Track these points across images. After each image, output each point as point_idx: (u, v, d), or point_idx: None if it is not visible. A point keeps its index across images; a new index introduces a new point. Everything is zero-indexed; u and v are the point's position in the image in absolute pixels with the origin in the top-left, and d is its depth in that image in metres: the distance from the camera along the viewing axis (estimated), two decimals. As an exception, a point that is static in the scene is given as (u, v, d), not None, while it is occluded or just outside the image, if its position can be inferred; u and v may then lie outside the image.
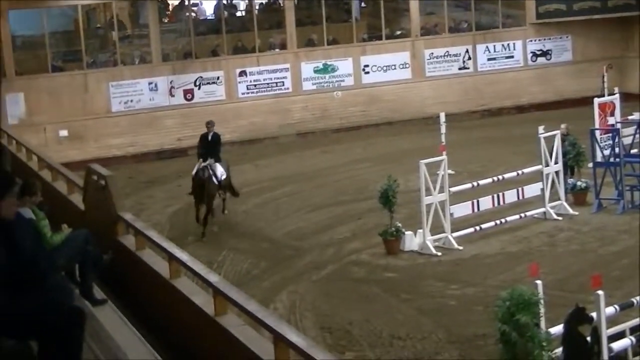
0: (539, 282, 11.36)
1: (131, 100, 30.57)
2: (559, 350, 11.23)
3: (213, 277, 10.69)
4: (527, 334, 10.79)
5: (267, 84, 32.08)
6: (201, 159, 21.13)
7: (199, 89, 31.35)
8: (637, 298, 12.76)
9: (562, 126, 21.93)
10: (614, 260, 17.56)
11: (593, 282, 11.41)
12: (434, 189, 19.14)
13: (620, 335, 12.09)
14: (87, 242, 11.46)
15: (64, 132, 29.58)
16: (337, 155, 29.09)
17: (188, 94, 31.22)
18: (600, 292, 11.29)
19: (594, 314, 11.31)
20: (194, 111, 31.01)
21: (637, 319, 12.49)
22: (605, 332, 11.29)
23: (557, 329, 11.42)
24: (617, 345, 11.80)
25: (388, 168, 23.36)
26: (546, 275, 13.99)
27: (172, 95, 31.04)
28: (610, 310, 11.82)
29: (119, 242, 13.23)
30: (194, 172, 21.18)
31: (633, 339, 12.11)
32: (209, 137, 21.49)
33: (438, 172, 19.34)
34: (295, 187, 25.39)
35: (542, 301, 11.19)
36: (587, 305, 11.51)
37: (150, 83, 30.76)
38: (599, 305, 11.29)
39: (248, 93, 31.92)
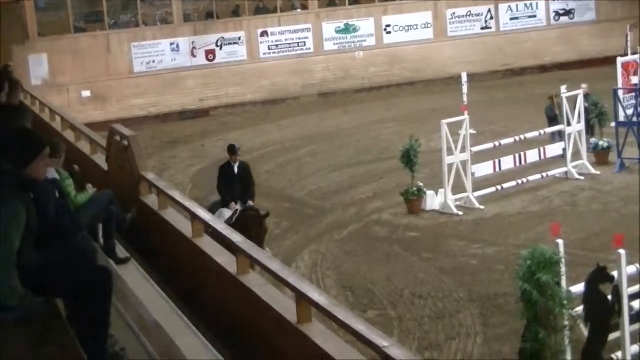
0: (560, 241, 11.35)
1: (153, 61, 30.63)
2: (580, 309, 11.26)
3: (236, 237, 10.76)
4: (548, 292, 10.82)
5: (289, 44, 32.04)
6: (232, 202, 14.85)
7: (220, 49, 31.36)
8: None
9: (583, 86, 21.79)
10: (635, 220, 17.48)
11: (615, 241, 11.41)
12: (456, 148, 19.15)
13: (641, 294, 12.11)
14: (111, 201, 11.57)
15: (86, 93, 29.72)
16: (358, 115, 29.08)
17: (210, 54, 31.23)
18: (621, 251, 11.28)
19: (615, 273, 11.32)
20: (216, 71, 31.08)
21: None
22: (626, 290, 11.29)
23: (578, 288, 11.44)
24: (637, 303, 11.81)
25: (410, 128, 23.37)
26: (567, 234, 14.01)
27: (194, 56, 31.08)
28: (631, 269, 11.81)
29: (142, 201, 13.31)
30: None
31: (653, 297, 12.13)
32: (235, 169, 15.15)
33: (460, 131, 19.33)
34: (316, 147, 25.43)
35: (563, 260, 11.20)
36: (608, 265, 11.52)
37: (171, 43, 30.80)
38: (620, 264, 11.29)
39: (269, 53, 31.90)
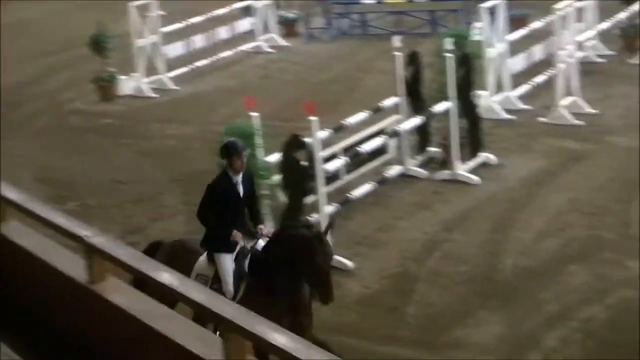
0: (255, 114, 11.55)
1: None
2: (278, 177, 11.56)
3: None
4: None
5: None
6: (235, 235, 8.95)
7: None
8: (349, 120, 13.28)
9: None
10: (326, 87, 18.13)
11: (307, 109, 11.73)
12: (146, 31, 18.88)
13: (333, 157, 12.58)
14: None
15: None
16: (40, 9, 27.88)
17: None
18: (313, 118, 11.63)
19: (308, 139, 11.67)
20: None
21: (348, 140, 13.02)
22: (320, 154, 11.71)
23: (275, 157, 11.72)
24: (330, 165, 12.29)
25: (98, 14, 22.67)
26: (262, 107, 14.23)
27: None
28: (323, 134, 12.23)
29: None
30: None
31: (345, 158, 12.65)
32: (240, 188, 9.11)
33: (148, 14, 19.05)
34: (-1, 40, 24.28)
35: (259, 132, 11.42)
36: (302, 132, 11.84)
37: None
38: (312, 130, 11.66)
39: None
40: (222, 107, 17.43)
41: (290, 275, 8.60)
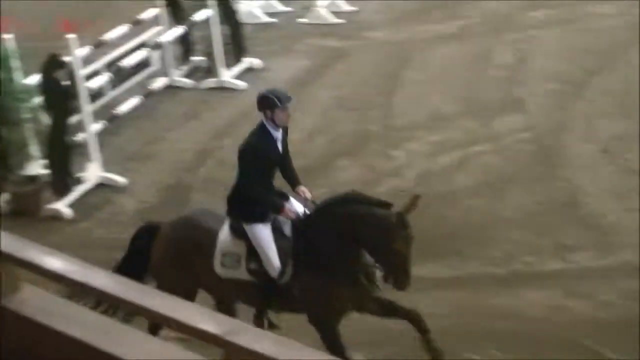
0: (9, 36, 11.18)
1: None
2: (39, 100, 11.25)
3: None
4: (2, 89, 10.74)
5: None
6: (284, 202, 7.66)
7: None
8: (108, 35, 12.98)
9: None
10: (82, 3, 17.51)
11: (64, 27, 11.48)
12: None
13: (96, 74, 12.31)
14: None
15: None
16: None
17: None
18: (71, 35, 11.36)
19: (68, 58, 11.40)
20: None
21: (110, 55, 12.73)
22: (81, 72, 11.46)
23: (35, 79, 11.38)
24: (93, 83, 12.04)
25: None
26: (18, 28, 13.70)
27: None
28: (83, 51, 11.93)
29: None
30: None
31: (108, 74, 12.41)
32: (279, 143, 7.68)
33: None
34: None
35: (15, 55, 11.08)
36: (61, 51, 11.54)
37: None
38: (71, 48, 11.39)
39: None
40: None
41: (354, 259, 7.36)
